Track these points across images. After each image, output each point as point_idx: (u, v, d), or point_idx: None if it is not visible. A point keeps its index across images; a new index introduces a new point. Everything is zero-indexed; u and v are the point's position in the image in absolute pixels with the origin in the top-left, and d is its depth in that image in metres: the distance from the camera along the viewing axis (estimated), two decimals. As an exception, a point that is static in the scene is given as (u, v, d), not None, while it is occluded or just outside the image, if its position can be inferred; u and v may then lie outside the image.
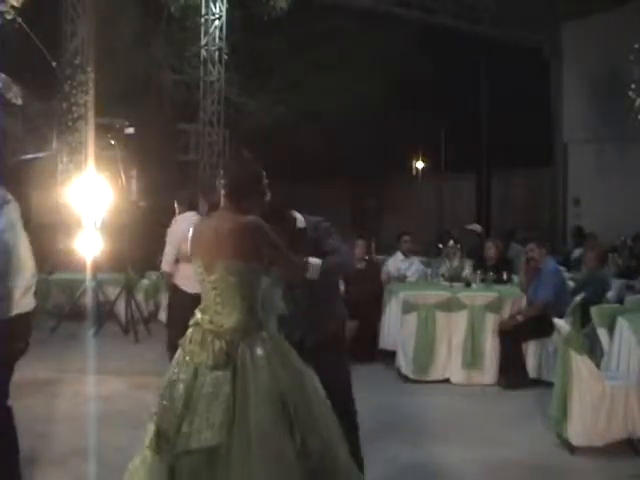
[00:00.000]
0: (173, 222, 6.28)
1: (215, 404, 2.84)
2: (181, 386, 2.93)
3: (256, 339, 2.95)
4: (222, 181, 3.09)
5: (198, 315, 3.06)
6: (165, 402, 2.96)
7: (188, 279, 6.05)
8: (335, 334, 3.77)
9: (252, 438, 2.79)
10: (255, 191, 3.12)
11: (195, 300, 6.11)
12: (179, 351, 3.06)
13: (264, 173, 3.17)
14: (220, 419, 2.81)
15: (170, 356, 6.16)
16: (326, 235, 3.64)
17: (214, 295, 3.00)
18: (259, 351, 2.92)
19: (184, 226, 6.09)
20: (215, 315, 2.99)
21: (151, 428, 2.96)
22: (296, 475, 2.83)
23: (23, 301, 3.55)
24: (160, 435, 2.91)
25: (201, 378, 2.91)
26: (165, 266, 6.16)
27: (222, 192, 3.09)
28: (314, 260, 3.35)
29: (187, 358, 2.98)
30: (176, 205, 6.45)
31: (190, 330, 3.06)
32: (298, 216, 3.66)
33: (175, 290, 6.19)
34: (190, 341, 3.01)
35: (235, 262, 2.95)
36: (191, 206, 6.29)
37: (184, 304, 6.15)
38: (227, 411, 2.82)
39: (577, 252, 10.45)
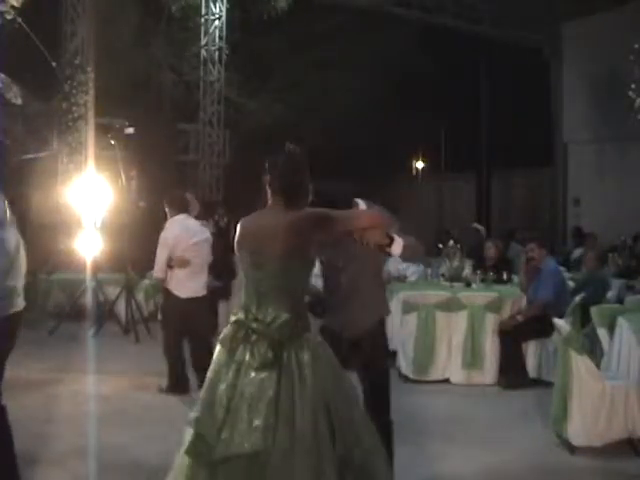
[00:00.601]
0: (166, 226, 6.18)
1: (258, 407, 2.73)
2: (222, 387, 2.82)
3: (302, 341, 2.86)
4: (271, 177, 3.00)
5: (240, 313, 2.94)
6: (205, 407, 2.84)
7: (181, 283, 6.09)
8: (373, 329, 3.62)
9: (294, 444, 2.70)
10: (306, 188, 3.02)
11: (187, 304, 6.14)
12: (218, 350, 2.94)
13: (308, 172, 3.09)
14: (263, 423, 2.71)
15: (167, 358, 6.21)
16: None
17: (260, 292, 2.91)
18: (306, 355, 2.82)
19: (176, 230, 6.09)
20: (261, 313, 2.88)
21: (189, 432, 2.85)
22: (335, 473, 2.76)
23: (19, 300, 3.56)
24: (200, 440, 2.81)
25: (244, 379, 2.80)
26: (158, 273, 6.10)
27: (271, 189, 2.99)
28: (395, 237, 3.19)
29: (228, 357, 2.87)
30: (166, 208, 6.24)
31: (231, 327, 2.94)
32: (361, 203, 3.59)
33: (168, 295, 6.20)
34: (232, 339, 2.89)
35: (287, 259, 2.87)
36: (181, 208, 6.21)
37: (176, 308, 6.21)
38: (270, 415, 2.72)
39: (577, 252, 10.46)
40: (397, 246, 3.15)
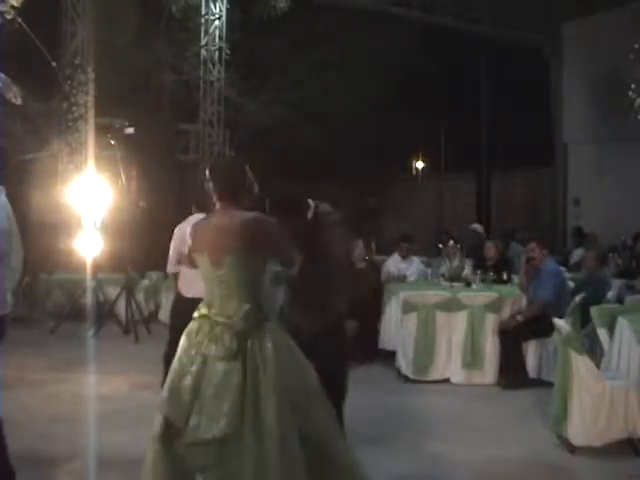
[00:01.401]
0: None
1: (225, 394, 2.89)
2: (189, 377, 2.98)
3: (264, 330, 3.03)
4: (211, 184, 3.22)
5: (204, 309, 3.12)
6: (172, 394, 3.01)
7: (186, 281, 6.07)
8: (330, 327, 3.78)
9: (263, 428, 2.84)
10: (243, 187, 3.24)
11: (191, 303, 6.17)
12: (184, 342, 3.11)
13: (247, 167, 3.30)
14: (230, 409, 2.86)
15: (163, 358, 6.23)
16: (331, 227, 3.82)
17: (222, 288, 3.09)
18: (268, 343, 2.99)
19: (184, 229, 6.10)
20: (223, 307, 3.06)
21: (158, 421, 3.00)
22: (301, 464, 2.89)
23: (8, 299, 3.59)
24: (169, 427, 2.96)
25: (210, 369, 2.96)
26: (168, 267, 6.15)
27: (214, 194, 3.22)
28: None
29: (194, 350, 3.03)
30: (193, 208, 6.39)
31: (196, 322, 3.12)
32: (321, 204, 3.83)
33: (176, 293, 6.20)
34: (197, 333, 3.07)
35: (242, 256, 3.05)
36: (201, 208, 6.22)
37: (180, 307, 6.20)
38: (237, 401, 2.87)
39: (578, 252, 10.45)
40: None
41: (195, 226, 3.27)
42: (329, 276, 3.81)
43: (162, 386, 6.16)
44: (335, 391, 3.55)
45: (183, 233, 6.05)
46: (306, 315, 3.70)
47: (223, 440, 2.86)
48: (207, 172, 3.29)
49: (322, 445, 3.02)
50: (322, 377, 3.18)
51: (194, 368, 2.99)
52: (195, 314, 3.16)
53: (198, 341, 3.04)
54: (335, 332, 3.85)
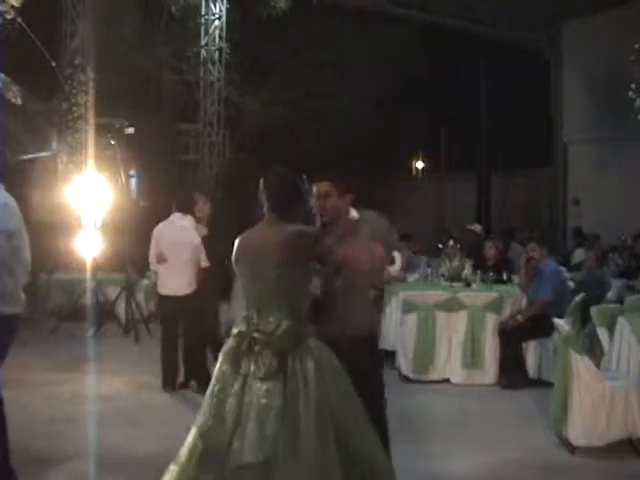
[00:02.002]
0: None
1: (267, 416, 2.81)
2: (230, 400, 2.89)
3: (305, 348, 2.94)
4: (264, 194, 3.17)
5: (242, 325, 3.03)
6: (215, 417, 2.90)
7: (160, 279, 6.33)
8: (363, 336, 3.56)
9: (300, 451, 2.78)
10: (297, 202, 3.21)
11: (166, 301, 6.41)
12: (221, 362, 3.02)
13: (303, 182, 3.32)
14: (272, 432, 2.79)
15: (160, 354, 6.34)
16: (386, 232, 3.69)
17: (261, 303, 3.02)
18: (309, 362, 2.91)
19: (161, 226, 6.32)
20: (262, 323, 2.97)
21: (197, 445, 2.90)
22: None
23: (22, 298, 3.59)
24: (209, 452, 2.86)
25: (250, 389, 2.88)
26: (151, 265, 6.47)
27: (265, 205, 3.16)
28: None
29: (233, 369, 2.95)
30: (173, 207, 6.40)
31: (234, 340, 3.03)
32: (367, 212, 3.73)
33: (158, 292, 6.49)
34: (235, 352, 2.98)
35: (284, 270, 2.98)
36: (180, 208, 6.28)
37: (160, 304, 6.59)
38: (277, 424, 2.80)
39: (579, 252, 10.44)
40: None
41: (241, 238, 3.18)
42: (361, 287, 3.61)
43: (163, 386, 6.20)
44: (375, 404, 3.44)
45: (159, 232, 6.26)
46: (343, 324, 3.47)
47: (264, 464, 2.78)
48: (261, 183, 3.21)
49: (369, 464, 2.97)
50: (360, 389, 3.08)
51: (235, 389, 2.90)
52: (233, 330, 3.07)
53: (237, 360, 2.95)
54: (370, 343, 3.66)
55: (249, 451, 2.78)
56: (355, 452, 2.91)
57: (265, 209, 3.17)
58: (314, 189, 3.62)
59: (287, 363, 2.88)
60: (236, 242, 3.17)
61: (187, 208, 6.30)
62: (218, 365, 3.03)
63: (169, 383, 6.11)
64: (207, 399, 2.98)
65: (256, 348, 2.92)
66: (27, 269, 3.73)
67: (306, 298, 3.12)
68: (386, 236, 3.66)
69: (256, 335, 2.95)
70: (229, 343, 3.03)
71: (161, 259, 6.16)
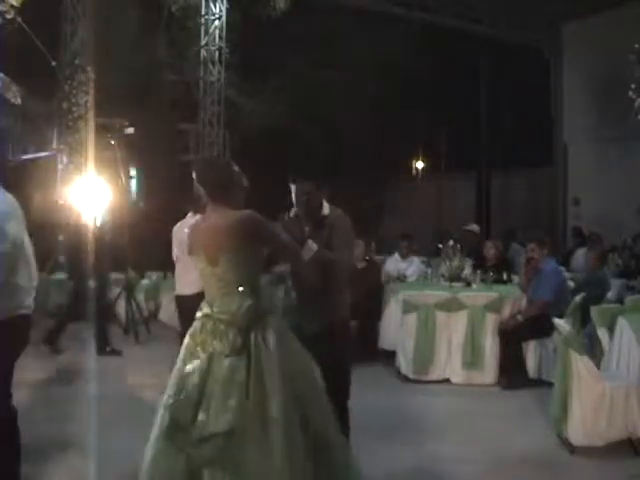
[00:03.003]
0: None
1: (231, 390, 2.95)
2: (195, 375, 3.04)
3: (266, 324, 3.10)
4: (200, 187, 3.27)
5: (206, 308, 3.19)
6: (178, 393, 3.05)
7: (176, 279, 6.24)
8: (333, 327, 3.80)
9: (267, 420, 2.91)
10: (231, 185, 3.29)
11: (177, 300, 6.37)
12: (188, 342, 3.17)
13: (232, 166, 3.36)
14: (236, 403, 2.92)
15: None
16: (339, 231, 3.87)
17: (220, 286, 3.15)
18: (270, 335, 3.07)
19: (175, 227, 6.31)
20: (224, 305, 3.12)
21: (164, 420, 3.04)
22: (302, 454, 2.96)
23: (29, 300, 3.55)
24: (176, 426, 3.00)
25: (216, 365, 3.02)
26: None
27: (205, 195, 3.27)
28: (312, 244, 3.66)
29: (198, 348, 3.10)
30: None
31: (199, 322, 3.18)
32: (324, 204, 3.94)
33: None
34: (201, 332, 3.13)
35: (238, 253, 3.12)
36: (192, 208, 6.30)
37: (176, 306, 6.49)
38: (242, 395, 2.93)
39: (580, 252, 10.42)
40: (307, 252, 3.64)
41: (192, 228, 3.35)
42: (330, 278, 3.81)
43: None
44: (339, 390, 3.60)
45: (174, 231, 6.26)
46: (309, 314, 3.74)
47: (229, 433, 2.91)
48: (194, 174, 3.32)
49: (323, 436, 3.09)
50: (326, 376, 3.22)
51: (199, 366, 3.05)
52: (198, 314, 3.22)
53: (202, 339, 3.10)
54: (339, 331, 3.87)
55: (213, 422, 2.93)
56: (310, 420, 3.05)
57: (206, 199, 3.27)
58: (292, 187, 3.90)
59: (250, 339, 3.04)
60: (189, 233, 3.36)
61: (197, 207, 6.31)
62: (184, 345, 3.18)
63: None
64: (173, 376, 3.14)
65: (221, 327, 3.08)
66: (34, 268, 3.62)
67: (261, 277, 3.27)
68: (349, 233, 3.96)
69: (221, 316, 3.11)
70: (195, 325, 3.19)
71: (176, 257, 6.21)
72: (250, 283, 3.16)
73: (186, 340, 3.19)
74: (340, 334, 3.88)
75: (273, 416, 2.91)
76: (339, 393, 3.53)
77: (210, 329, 3.10)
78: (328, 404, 3.20)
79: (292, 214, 4.00)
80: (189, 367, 3.08)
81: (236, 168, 3.34)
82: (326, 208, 3.94)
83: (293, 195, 3.93)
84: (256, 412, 2.93)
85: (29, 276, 3.53)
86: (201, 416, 2.96)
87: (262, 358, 3.01)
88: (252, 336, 3.04)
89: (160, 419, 3.07)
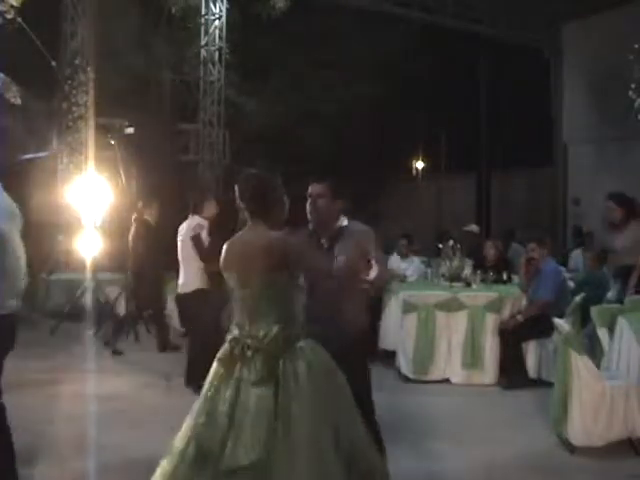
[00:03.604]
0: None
1: (260, 421, 2.85)
2: (223, 403, 2.93)
3: (297, 351, 2.98)
4: (240, 202, 3.17)
5: (235, 330, 3.08)
6: (208, 420, 2.94)
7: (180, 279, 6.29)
8: (354, 343, 3.56)
9: (295, 452, 2.81)
10: (274, 203, 3.19)
11: (178, 298, 6.39)
12: (216, 367, 3.06)
13: (277, 181, 3.24)
14: (265, 434, 2.82)
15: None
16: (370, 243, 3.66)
17: (251, 309, 3.05)
18: (301, 364, 2.95)
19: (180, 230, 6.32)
20: (253, 329, 3.01)
21: (189, 447, 2.93)
22: (335, 474, 2.87)
23: (10, 302, 3.54)
24: (203, 454, 2.89)
25: (244, 394, 2.91)
26: None
27: (245, 210, 3.17)
28: (342, 258, 3.49)
29: (226, 374, 2.99)
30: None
31: (227, 345, 3.07)
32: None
33: None
34: (230, 356, 3.02)
35: (270, 275, 3.01)
36: (191, 209, 6.34)
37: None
38: (270, 427, 2.83)
39: (577, 252, 10.42)
40: (338, 269, 3.47)
41: (228, 244, 3.18)
42: (353, 291, 3.57)
43: (186, 383, 6.14)
44: (364, 405, 3.42)
45: (179, 233, 6.31)
46: (331, 330, 3.41)
47: (257, 466, 2.81)
48: (237, 188, 3.21)
49: (366, 463, 3.03)
50: (353, 388, 3.13)
51: (228, 394, 2.94)
52: (228, 336, 3.11)
53: (231, 365, 2.99)
54: (360, 347, 3.68)
55: (242, 454, 2.82)
56: (351, 448, 2.96)
57: (245, 214, 3.17)
58: (308, 190, 3.66)
59: (279, 367, 2.92)
60: (224, 249, 3.18)
61: (196, 208, 6.34)
62: (213, 369, 3.07)
63: (194, 380, 6.06)
64: (201, 401, 3.02)
65: (249, 353, 2.96)
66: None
67: (296, 301, 3.13)
68: (369, 247, 3.64)
69: (248, 341, 2.99)
70: (224, 348, 3.07)
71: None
72: (280, 306, 3.04)
73: (215, 364, 3.07)
74: (361, 349, 3.70)
75: (299, 447, 2.82)
76: (365, 408, 3.36)
77: (238, 354, 2.99)
78: (365, 429, 3.11)
79: (308, 231, 3.72)
80: (217, 394, 2.96)
81: (281, 188, 3.22)
82: (344, 220, 3.69)
83: (308, 204, 3.67)
84: (284, 444, 2.82)
85: (13, 277, 3.51)
86: (230, 446, 2.85)
87: (291, 388, 2.90)
88: (281, 364, 2.93)
89: (186, 442, 2.95)
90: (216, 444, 2.87)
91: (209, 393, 3.00)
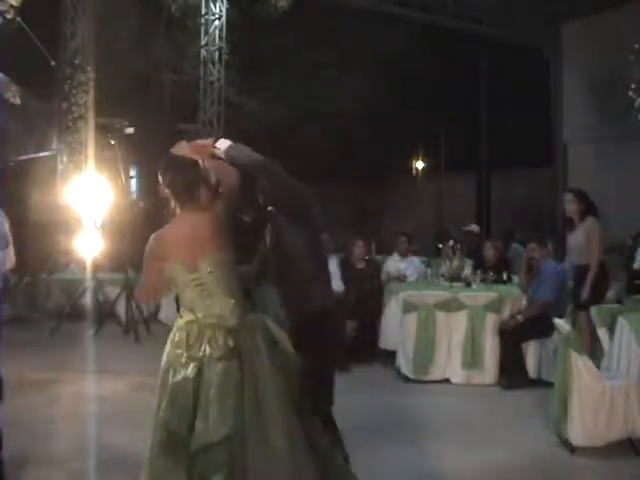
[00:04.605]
0: None
1: (228, 392, 2.92)
2: (187, 384, 2.97)
3: (254, 324, 3.07)
4: (166, 189, 3.18)
5: (187, 315, 3.10)
6: (172, 403, 2.97)
7: None
8: (309, 320, 3.30)
9: (266, 421, 2.89)
10: (198, 184, 3.16)
11: None
12: (171, 352, 3.08)
13: (196, 163, 3.17)
14: (233, 407, 2.89)
15: None
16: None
17: (201, 291, 3.07)
18: (259, 337, 3.04)
19: None
20: (208, 309, 3.06)
21: (159, 435, 2.96)
22: (305, 449, 2.96)
23: None
24: (174, 439, 2.92)
25: (208, 371, 2.96)
26: None
27: (172, 199, 3.18)
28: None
29: (187, 355, 3.01)
30: None
31: (183, 329, 3.08)
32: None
33: None
34: (187, 340, 3.05)
35: (214, 255, 3.06)
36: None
37: None
38: (240, 398, 2.91)
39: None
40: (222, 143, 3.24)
41: (159, 237, 3.14)
42: (295, 263, 3.34)
43: None
44: (321, 395, 3.27)
45: None
46: (285, 308, 3.41)
47: (231, 438, 2.88)
48: (159, 177, 3.21)
49: (314, 440, 3.05)
50: (306, 379, 3.07)
51: (191, 374, 2.97)
52: (179, 322, 3.13)
53: (190, 346, 3.02)
54: (317, 325, 3.30)
55: (214, 429, 2.88)
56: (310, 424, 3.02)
57: (173, 201, 3.17)
58: None
59: (239, 341, 3.00)
60: (156, 240, 3.12)
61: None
62: (166, 353, 3.10)
63: None
64: (161, 387, 3.05)
65: (207, 332, 3.01)
66: None
67: (239, 277, 3.16)
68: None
69: (206, 320, 3.04)
70: (177, 334, 3.08)
71: None
72: (232, 285, 3.10)
73: (168, 349, 3.10)
74: (314, 329, 3.28)
75: (270, 415, 2.90)
76: (324, 399, 3.22)
77: (196, 335, 3.02)
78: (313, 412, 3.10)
79: None
80: (178, 377, 3.00)
81: (203, 165, 3.19)
82: None
83: None
84: (253, 413, 2.90)
85: None
86: (199, 425, 2.90)
87: (255, 360, 2.97)
88: (241, 339, 3.00)
89: (155, 434, 2.98)
90: (184, 426, 2.92)
91: (169, 377, 3.03)
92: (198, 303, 3.08)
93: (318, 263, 3.44)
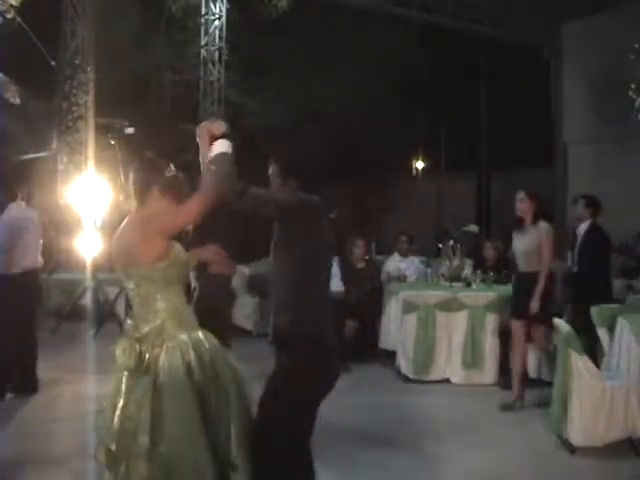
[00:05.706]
0: None
1: (142, 407, 2.85)
2: (120, 398, 2.94)
3: (176, 340, 2.94)
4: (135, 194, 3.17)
5: (129, 327, 3.09)
6: (111, 416, 2.94)
7: None
8: (286, 334, 3.01)
9: (172, 439, 2.81)
10: (148, 188, 3.18)
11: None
12: (118, 365, 3.04)
13: (166, 165, 3.26)
14: (149, 420, 2.82)
15: None
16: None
17: (135, 300, 3.05)
18: (177, 353, 2.91)
19: None
20: (140, 320, 3.03)
21: (103, 444, 2.97)
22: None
23: None
24: (113, 450, 2.91)
25: (136, 385, 2.91)
26: None
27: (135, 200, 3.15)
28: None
29: (126, 369, 2.98)
30: None
31: (125, 342, 3.04)
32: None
33: None
34: (125, 353, 3.01)
35: (140, 267, 2.95)
36: None
37: None
38: (154, 412, 2.83)
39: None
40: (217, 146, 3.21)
41: (113, 238, 3.12)
42: (287, 271, 3.09)
43: None
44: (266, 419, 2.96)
45: None
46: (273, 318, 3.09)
47: (152, 451, 2.82)
48: (134, 180, 3.23)
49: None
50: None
51: (124, 387, 2.95)
52: (126, 328, 3.13)
53: (127, 360, 2.99)
54: (286, 354, 3.01)
55: (132, 443, 2.83)
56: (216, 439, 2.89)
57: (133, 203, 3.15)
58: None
59: (155, 356, 2.90)
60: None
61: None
62: (116, 367, 3.05)
63: None
64: (108, 400, 3.02)
65: (137, 347, 2.95)
66: None
67: (178, 292, 3.05)
68: None
69: (134, 334, 3.00)
70: (123, 345, 3.03)
71: None
72: (160, 296, 2.97)
73: (117, 360, 3.05)
74: (286, 359, 3.00)
75: (168, 422, 2.84)
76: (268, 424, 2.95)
77: (124, 347, 3.00)
78: (250, 424, 2.96)
79: None
80: (116, 388, 2.98)
81: (172, 171, 3.20)
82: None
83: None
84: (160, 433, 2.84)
85: None
86: (123, 438, 2.87)
87: (164, 377, 2.87)
88: (157, 353, 2.91)
89: (100, 442, 2.99)
90: (111, 439, 2.89)
91: (113, 388, 3.01)
92: (135, 312, 3.09)
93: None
